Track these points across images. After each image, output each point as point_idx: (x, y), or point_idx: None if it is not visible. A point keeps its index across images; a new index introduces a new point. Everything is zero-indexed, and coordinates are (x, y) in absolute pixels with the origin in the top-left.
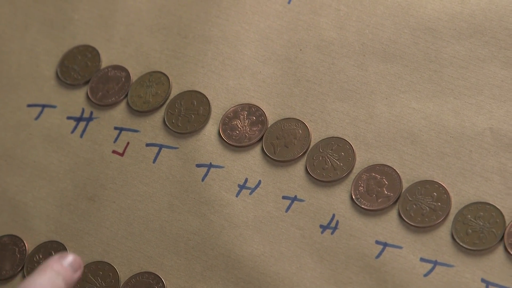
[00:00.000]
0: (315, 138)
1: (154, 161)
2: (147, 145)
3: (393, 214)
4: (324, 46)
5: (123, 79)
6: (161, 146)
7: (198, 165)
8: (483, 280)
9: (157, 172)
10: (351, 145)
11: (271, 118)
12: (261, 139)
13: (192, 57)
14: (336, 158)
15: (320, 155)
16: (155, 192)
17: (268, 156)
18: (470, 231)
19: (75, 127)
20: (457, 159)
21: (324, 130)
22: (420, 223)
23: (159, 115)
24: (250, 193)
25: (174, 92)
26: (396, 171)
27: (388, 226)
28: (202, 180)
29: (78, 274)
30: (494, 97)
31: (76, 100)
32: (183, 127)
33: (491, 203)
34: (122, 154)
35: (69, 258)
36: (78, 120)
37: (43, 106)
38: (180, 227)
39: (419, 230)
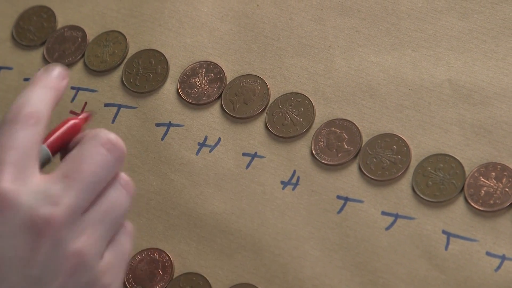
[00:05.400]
0: (274, 94)
1: (113, 122)
2: (106, 105)
3: (353, 168)
4: (281, 1)
5: (79, 39)
6: (119, 106)
7: (158, 124)
8: (444, 232)
9: (116, 132)
10: (311, 100)
11: (230, 75)
12: (220, 96)
13: (149, 15)
14: (296, 114)
15: (279, 111)
16: None
17: (228, 113)
18: (430, 183)
19: None
20: (416, 111)
21: (283, 85)
22: (381, 176)
23: (116, 75)
24: (210, 151)
25: (132, 51)
26: (355, 125)
27: (349, 180)
28: (162, 139)
29: (65, 82)
30: (452, 49)
31: (33, 61)
32: (141, 86)
33: (450, 154)
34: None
35: (55, 71)
36: None
37: None
38: (141, 187)
39: (380, 183)
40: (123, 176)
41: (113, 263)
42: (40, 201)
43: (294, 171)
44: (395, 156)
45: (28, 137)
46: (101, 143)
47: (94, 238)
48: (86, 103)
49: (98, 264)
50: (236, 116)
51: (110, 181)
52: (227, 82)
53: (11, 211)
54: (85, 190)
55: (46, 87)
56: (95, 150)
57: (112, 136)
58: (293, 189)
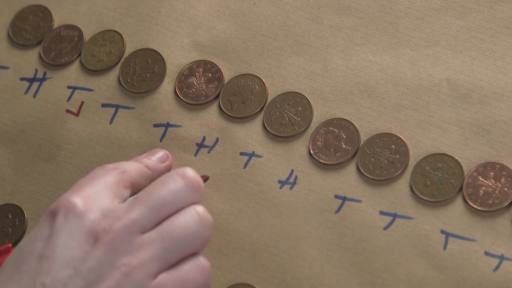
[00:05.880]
0: (272, 93)
1: (111, 122)
2: (103, 105)
3: (351, 168)
4: None
5: (76, 39)
6: (117, 107)
7: (156, 125)
8: (442, 231)
9: (114, 133)
10: (308, 100)
11: (227, 74)
12: (217, 96)
13: (145, 14)
14: (294, 113)
15: (277, 111)
16: (112, 153)
17: (225, 113)
18: (428, 182)
19: (28, 88)
20: (414, 111)
21: (281, 85)
22: (379, 176)
23: (113, 74)
24: (209, 152)
25: (128, 50)
26: (353, 124)
27: (347, 180)
28: (160, 140)
29: (166, 164)
30: (450, 48)
31: (29, 60)
32: (138, 86)
33: (449, 154)
34: (77, 114)
35: (158, 154)
36: (31, 80)
37: None
38: None
39: (378, 183)
40: (199, 206)
41: (167, 286)
42: (104, 216)
43: (292, 171)
44: (393, 156)
45: (109, 179)
46: (176, 172)
47: (149, 256)
48: (83, 102)
49: (147, 282)
50: (234, 116)
51: (182, 208)
52: (225, 82)
53: (75, 218)
54: (149, 209)
55: (139, 162)
56: (168, 176)
57: (190, 169)
58: (291, 188)
